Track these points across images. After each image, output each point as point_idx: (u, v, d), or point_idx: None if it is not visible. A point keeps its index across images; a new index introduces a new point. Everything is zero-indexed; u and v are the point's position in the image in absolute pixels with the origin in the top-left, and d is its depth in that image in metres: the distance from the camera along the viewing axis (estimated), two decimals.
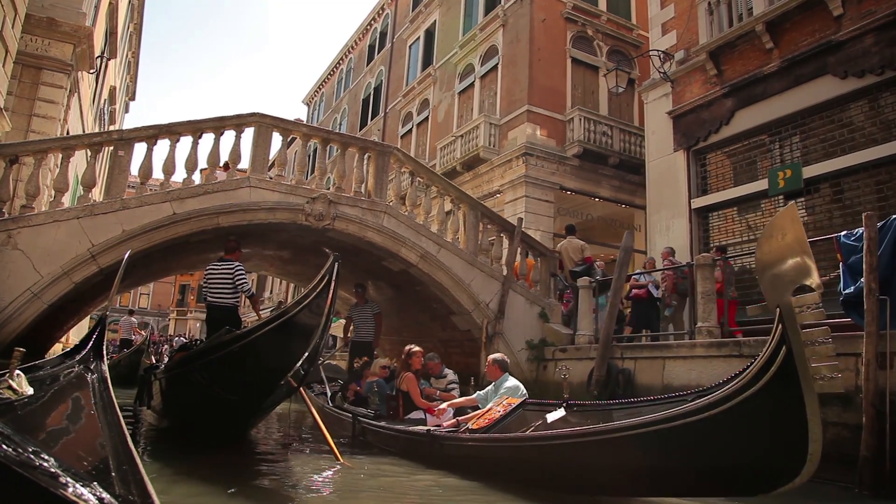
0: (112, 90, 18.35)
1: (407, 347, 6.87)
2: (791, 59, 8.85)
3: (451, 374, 7.15)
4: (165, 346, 26.40)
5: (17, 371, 3.13)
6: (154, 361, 14.57)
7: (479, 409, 5.63)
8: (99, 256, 6.58)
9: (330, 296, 4.71)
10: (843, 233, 5.52)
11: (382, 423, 6.31)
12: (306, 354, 5.00)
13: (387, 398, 7.09)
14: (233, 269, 6.86)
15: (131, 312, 21.83)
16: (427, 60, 19.61)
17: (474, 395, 6.03)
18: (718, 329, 6.46)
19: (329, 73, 30.37)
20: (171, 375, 6.47)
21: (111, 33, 14.28)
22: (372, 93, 24.06)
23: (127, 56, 21.52)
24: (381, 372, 7.58)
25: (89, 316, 27.23)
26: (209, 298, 6.99)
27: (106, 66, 15.47)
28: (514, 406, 5.16)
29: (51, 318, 6.93)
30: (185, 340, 24.51)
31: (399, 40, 22.20)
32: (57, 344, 12.59)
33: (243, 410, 5.57)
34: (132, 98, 25.98)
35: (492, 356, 6.08)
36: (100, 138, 7.12)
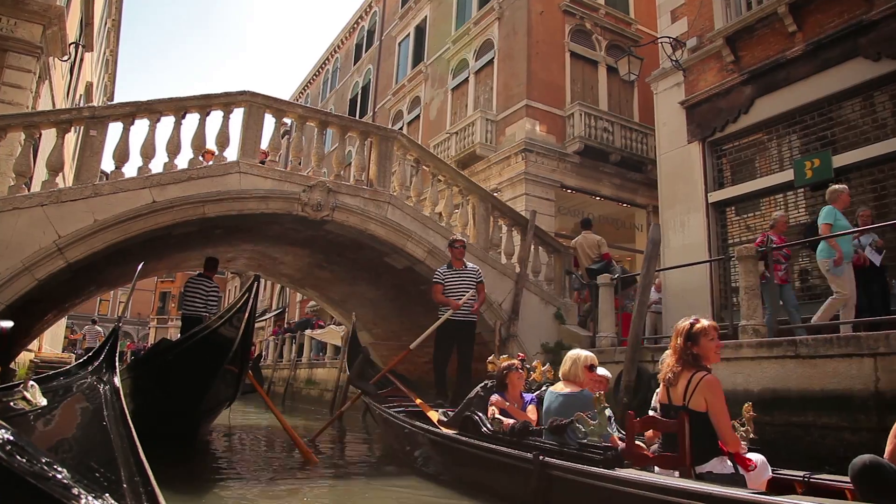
0: (89, 87, 17.49)
1: (687, 323, 3.33)
2: (817, 42, 8.32)
3: None
4: None
5: (31, 382, 3.23)
6: None
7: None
8: (67, 250, 5.74)
9: (247, 311, 5.44)
10: None
11: (643, 478, 3.23)
12: (227, 362, 5.70)
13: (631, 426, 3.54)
14: (208, 288, 7.67)
15: (94, 322, 23.20)
16: (418, 57, 19.03)
17: None
18: (765, 328, 5.83)
19: (314, 74, 29.66)
20: (122, 382, 6.73)
21: (87, 23, 13.49)
22: (360, 92, 23.43)
23: (105, 53, 20.73)
24: (597, 379, 4.29)
25: (66, 319, 26.44)
26: (184, 311, 7.77)
27: (82, 60, 14.66)
28: None
29: (11, 321, 6.10)
30: None
31: (388, 38, 21.60)
32: (25, 352, 11.68)
33: (183, 413, 6.08)
34: (111, 99, 25.11)
35: None
36: (68, 115, 6.26)
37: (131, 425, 2.48)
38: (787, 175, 8.62)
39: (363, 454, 7.89)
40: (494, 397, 4.77)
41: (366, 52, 23.68)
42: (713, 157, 9.87)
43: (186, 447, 6.32)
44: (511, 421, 4.34)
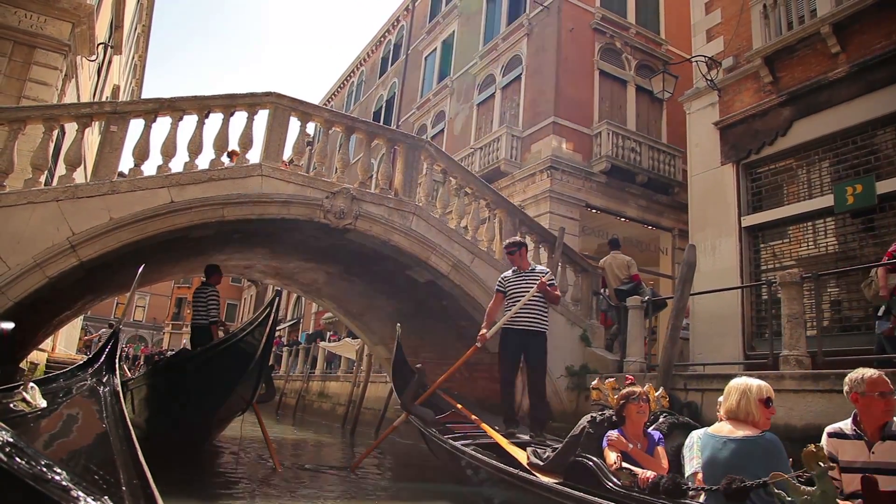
0: (115, 89, 17.59)
1: None
2: (862, 64, 8.00)
3: None
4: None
5: (31, 383, 3.26)
6: (129, 374, 14.02)
7: None
8: (80, 247, 5.56)
9: (268, 326, 5.51)
10: None
11: None
12: (246, 374, 5.73)
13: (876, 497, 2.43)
14: (207, 295, 7.75)
15: (110, 326, 23.20)
16: (444, 72, 18.97)
17: None
18: (809, 358, 5.48)
19: (339, 87, 29.76)
20: (136, 388, 7.19)
21: (117, 26, 13.53)
22: (384, 105, 23.42)
23: (133, 58, 20.88)
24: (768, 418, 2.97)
25: (82, 321, 26.37)
26: (192, 319, 7.95)
27: (110, 62, 14.72)
28: None
29: (20, 319, 5.91)
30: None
31: (414, 52, 21.60)
32: (37, 351, 11.55)
33: (197, 421, 6.14)
34: None
35: None
36: (89, 110, 6.11)
37: (130, 427, 2.50)
38: (828, 200, 8.27)
39: (378, 473, 7.59)
40: (613, 435, 3.69)
41: (391, 65, 23.70)
42: (747, 179, 9.53)
43: (194, 453, 6.49)
44: (649, 473, 3.28)
